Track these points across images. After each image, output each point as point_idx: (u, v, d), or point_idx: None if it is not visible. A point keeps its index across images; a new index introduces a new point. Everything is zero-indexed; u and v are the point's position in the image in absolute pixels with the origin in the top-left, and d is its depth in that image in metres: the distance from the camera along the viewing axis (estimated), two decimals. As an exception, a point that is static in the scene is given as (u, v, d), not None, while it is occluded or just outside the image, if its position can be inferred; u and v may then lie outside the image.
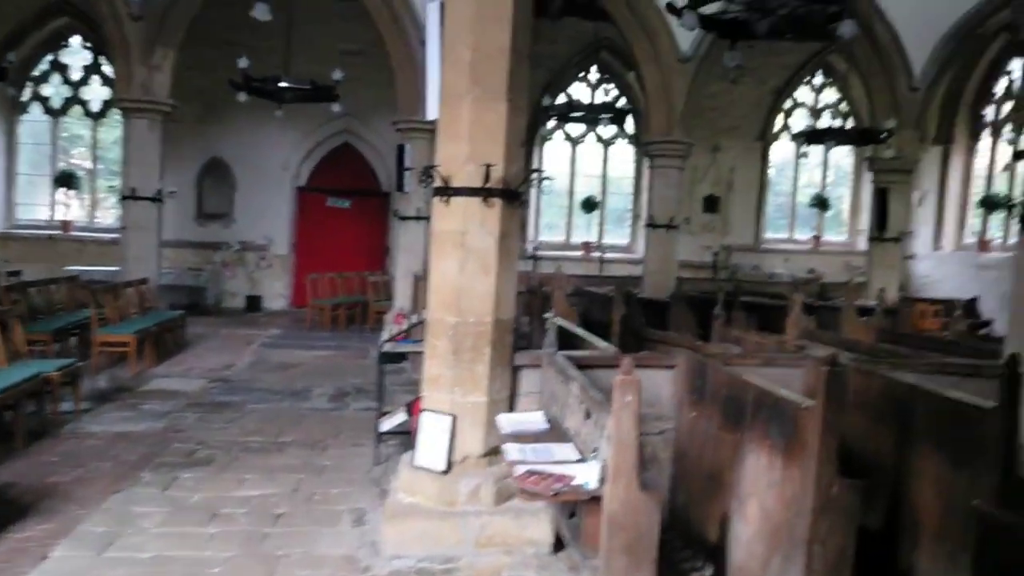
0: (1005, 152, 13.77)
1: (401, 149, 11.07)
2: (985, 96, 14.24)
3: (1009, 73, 13.90)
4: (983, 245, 13.73)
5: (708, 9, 6.24)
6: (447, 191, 4.26)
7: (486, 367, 4.32)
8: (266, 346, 10.68)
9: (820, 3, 5.83)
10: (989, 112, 14.26)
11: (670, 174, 11.84)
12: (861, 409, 3.95)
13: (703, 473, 3.72)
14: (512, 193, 4.30)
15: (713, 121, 15.13)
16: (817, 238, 16.26)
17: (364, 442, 5.99)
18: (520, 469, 3.25)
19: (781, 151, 16.32)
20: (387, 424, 5.41)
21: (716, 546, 3.45)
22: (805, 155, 15.59)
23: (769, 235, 16.28)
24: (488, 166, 4.18)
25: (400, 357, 6.09)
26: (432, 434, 4.32)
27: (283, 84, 9.95)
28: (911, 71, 12.08)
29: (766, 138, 15.92)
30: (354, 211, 15.15)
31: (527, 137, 13.92)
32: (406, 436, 5.13)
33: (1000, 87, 14.08)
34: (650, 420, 4.01)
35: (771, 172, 16.25)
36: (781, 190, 16.58)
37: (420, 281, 9.35)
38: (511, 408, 4.52)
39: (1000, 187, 13.74)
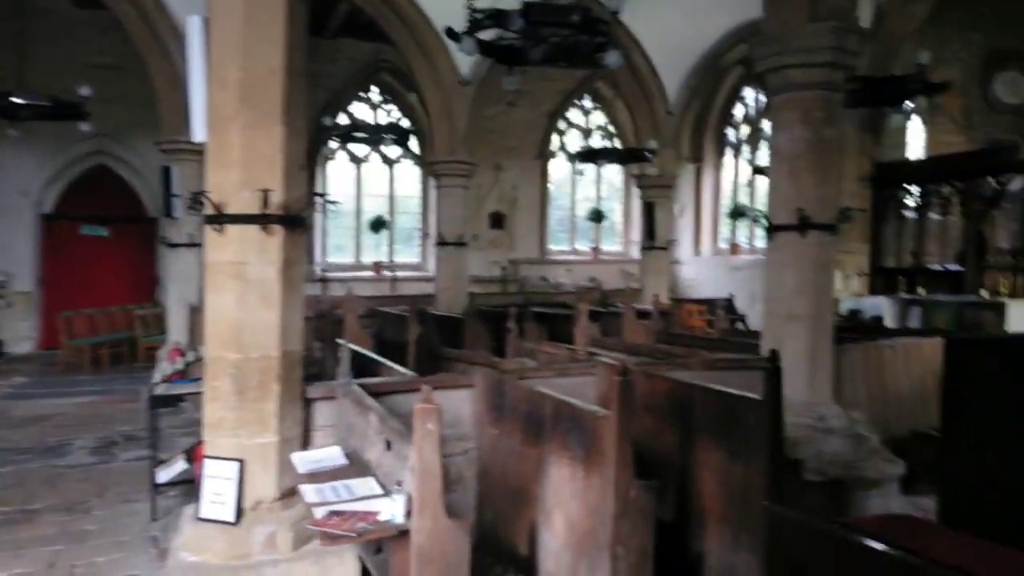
0: (746, 168, 15.62)
1: (167, 172, 10.15)
2: (727, 119, 16.05)
3: (744, 99, 15.81)
4: (734, 249, 15.43)
5: (486, 35, 6.38)
6: (220, 219, 3.91)
7: (275, 404, 4.01)
8: (8, 397, 9.27)
9: (588, 34, 6.19)
10: (731, 134, 16.10)
11: (456, 193, 12.00)
12: (648, 410, 4.18)
13: (509, 489, 3.72)
14: (294, 219, 4.05)
15: (494, 141, 15.62)
16: (596, 249, 17.32)
17: (138, 497, 5.35)
18: (320, 511, 3.03)
19: (559, 169, 17.24)
20: (165, 474, 4.87)
21: (526, 559, 3.46)
22: (581, 172, 16.58)
23: (553, 247, 17.09)
24: (266, 192, 3.90)
25: (176, 399, 5.53)
26: (218, 482, 3.93)
27: (16, 100, 8.74)
28: (666, 97, 13.31)
29: (544, 157, 16.73)
30: (115, 239, 13.71)
31: (308, 159, 13.44)
32: (189, 485, 4.65)
33: (739, 112, 15.96)
34: (452, 441, 3.95)
35: (551, 188, 17.09)
36: (561, 205, 17.48)
37: (197, 313, 8.61)
38: (306, 445, 4.24)
39: (744, 199, 15.57)
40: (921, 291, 11.11)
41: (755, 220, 5.58)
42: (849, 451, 5.03)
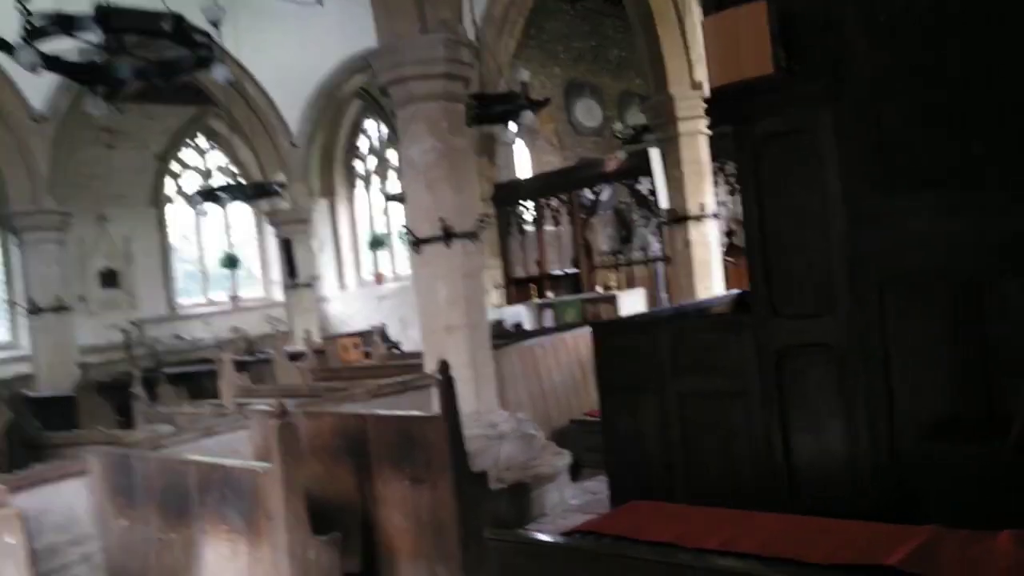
0: (379, 198, 15.79)
1: None
2: (353, 152, 16.08)
3: (366, 131, 16.01)
4: (379, 279, 15.47)
5: (54, 47, 5.25)
6: None
7: None
8: None
9: (187, 46, 5.47)
10: (359, 166, 16.16)
11: (48, 250, 10.03)
12: (316, 454, 3.70)
13: (153, 591, 2.94)
14: None
15: (97, 189, 13.53)
16: (235, 297, 16.01)
17: None
18: None
19: (181, 215, 15.60)
20: None
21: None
22: (204, 213, 15.10)
23: (184, 301, 15.38)
24: None
25: None
26: None
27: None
28: (289, 130, 12.81)
29: (160, 204, 15.01)
30: None
31: None
32: None
33: (364, 144, 16.09)
34: (64, 548, 3.02)
35: (174, 238, 15.39)
36: (188, 255, 15.86)
37: None
38: None
39: (380, 228, 15.72)
40: (550, 294, 12.21)
41: (400, 236, 5.44)
42: (521, 452, 5.09)
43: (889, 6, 3.15)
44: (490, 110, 7.50)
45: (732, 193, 10.52)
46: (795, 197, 3.42)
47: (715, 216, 8.80)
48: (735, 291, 6.16)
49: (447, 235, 5.07)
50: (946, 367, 3.09)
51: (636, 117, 16.72)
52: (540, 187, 13.30)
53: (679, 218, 8.40)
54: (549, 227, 13.20)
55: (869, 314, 3.23)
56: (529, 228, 13.26)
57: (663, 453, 4.00)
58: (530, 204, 13.22)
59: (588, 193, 12.78)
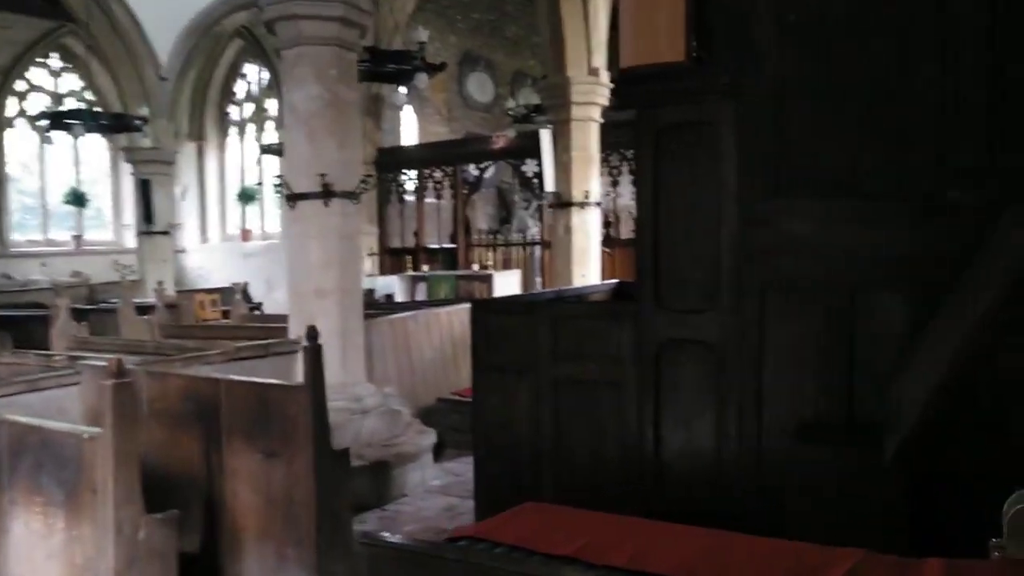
0: (253, 149, 14.84)
1: None
2: (229, 96, 15.00)
3: (246, 76, 14.96)
4: (245, 235, 14.58)
5: None
6: None
7: None
8: None
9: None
10: (234, 112, 15.11)
11: None
12: (158, 418, 3.33)
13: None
14: None
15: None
16: (79, 237, 14.62)
17: None
18: None
19: (22, 142, 14.02)
20: None
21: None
22: (49, 141, 13.68)
23: (18, 237, 13.89)
24: None
25: None
26: None
27: None
28: (157, 60, 11.74)
29: (-1, 125, 13.43)
30: None
31: None
32: None
33: (241, 90, 15.04)
34: None
35: (12, 166, 13.82)
36: (28, 188, 14.32)
37: None
38: None
39: (252, 181, 14.79)
40: (425, 268, 11.96)
41: (276, 188, 5.03)
42: (385, 429, 4.87)
43: (798, 7, 3.15)
44: (382, 67, 7.13)
45: (614, 185, 10.68)
46: (691, 190, 3.39)
47: (598, 205, 8.87)
48: (614, 281, 6.19)
49: (326, 192, 4.73)
50: (815, 372, 3.17)
51: (528, 98, 16.70)
52: (425, 157, 12.98)
53: (563, 203, 8.38)
54: (430, 199, 12.92)
55: (749, 314, 3.25)
56: (410, 198, 12.92)
57: (533, 439, 3.91)
58: (413, 173, 12.87)
59: (473, 169, 12.60)
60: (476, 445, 4.15)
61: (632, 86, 3.46)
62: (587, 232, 8.57)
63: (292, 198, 4.83)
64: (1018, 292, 1.65)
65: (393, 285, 11.26)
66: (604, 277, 9.20)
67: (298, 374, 4.78)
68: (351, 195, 4.88)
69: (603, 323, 3.72)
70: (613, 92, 3.53)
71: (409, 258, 12.45)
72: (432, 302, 8.70)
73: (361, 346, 4.99)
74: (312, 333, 2.99)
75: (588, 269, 8.43)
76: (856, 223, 3.08)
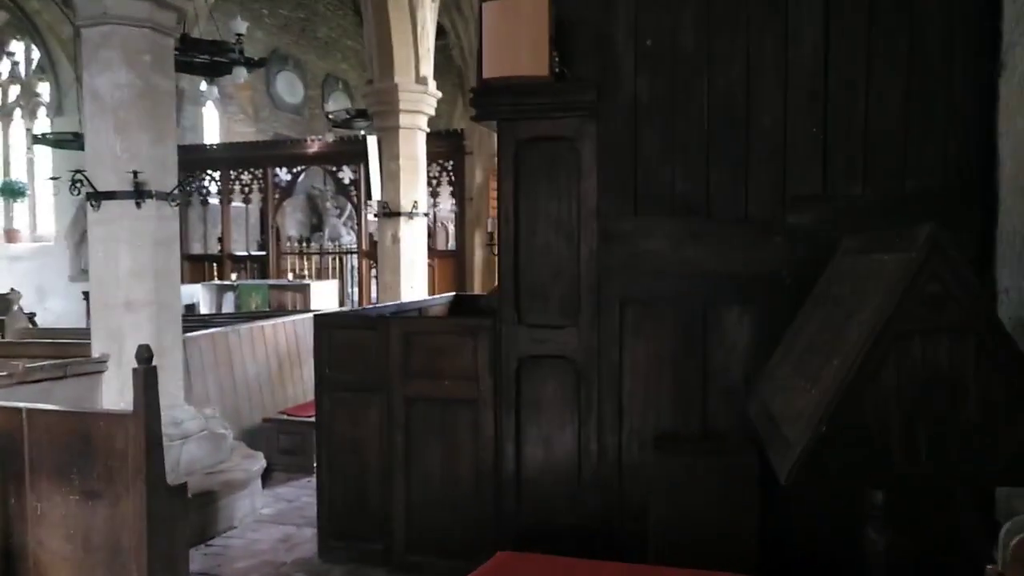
0: (21, 138, 13.04)
1: None
2: (-12, 77, 13.10)
3: (13, 55, 13.15)
4: (11, 235, 12.76)
5: None
6: None
7: None
8: None
9: None
10: (-3, 94, 13.21)
11: None
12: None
13: None
14: None
15: None
16: None
17: None
18: None
19: None
20: None
21: None
22: None
23: None
24: None
25: None
26: None
27: None
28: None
29: None
30: None
31: None
32: None
33: (5, 68, 13.18)
34: None
35: None
36: None
37: None
38: None
39: (20, 174, 12.98)
40: (233, 276, 11.13)
41: (73, 185, 4.32)
42: (208, 455, 4.40)
43: (654, 33, 3.27)
44: (194, 57, 6.51)
45: (433, 196, 10.63)
46: (552, 205, 3.40)
47: (426, 215, 8.74)
48: (450, 294, 6.11)
49: (139, 192, 4.20)
50: (670, 386, 3.28)
51: (340, 102, 16.14)
52: (231, 158, 12.10)
53: (391, 213, 8.16)
54: (237, 203, 12.06)
55: (609, 330, 3.31)
56: (213, 201, 11.98)
57: (384, 460, 3.71)
58: (217, 175, 11.95)
59: (284, 173, 11.95)
60: (320, 469, 3.86)
61: (493, 97, 3.40)
62: (415, 242, 8.41)
63: (96, 196, 4.24)
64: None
65: (197, 295, 10.35)
66: (429, 288, 9.09)
67: (104, 398, 4.21)
68: (169, 196, 4.37)
69: (459, 338, 3.61)
70: (470, 102, 3.42)
71: (214, 265, 11.53)
72: (245, 314, 8.10)
73: (180, 365, 4.48)
74: (144, 353, 2.60)
75: (416, 280, 8.27)
76: (705, 242, 3.24)
